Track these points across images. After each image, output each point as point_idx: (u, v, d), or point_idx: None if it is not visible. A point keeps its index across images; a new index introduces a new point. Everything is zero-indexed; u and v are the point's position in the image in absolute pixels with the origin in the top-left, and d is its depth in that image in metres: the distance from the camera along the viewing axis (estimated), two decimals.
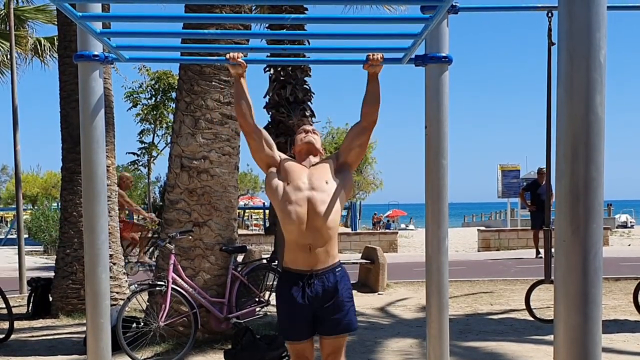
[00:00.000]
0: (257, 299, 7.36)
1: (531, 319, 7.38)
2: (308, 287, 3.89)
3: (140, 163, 23.83)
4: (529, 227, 16.91)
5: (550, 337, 6.75)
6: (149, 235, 12.57)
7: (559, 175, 1.95)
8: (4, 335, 7.41)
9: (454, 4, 3.81)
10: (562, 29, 1.95)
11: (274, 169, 4.05)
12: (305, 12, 9.82)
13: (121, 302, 7.82)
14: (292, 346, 4.08)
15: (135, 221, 13.27)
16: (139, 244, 12.36)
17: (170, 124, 21.50)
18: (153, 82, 21.88)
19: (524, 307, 7.42)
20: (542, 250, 13.15)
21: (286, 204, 3.88)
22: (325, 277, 3.91)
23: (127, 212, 12.52)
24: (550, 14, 5.72)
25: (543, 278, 6.96)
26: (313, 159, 4.11)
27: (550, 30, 5.90)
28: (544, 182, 14.19)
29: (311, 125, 4.23)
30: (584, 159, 1.91)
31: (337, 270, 3.96)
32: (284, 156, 4.14)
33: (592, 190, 1.91)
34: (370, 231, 30.79)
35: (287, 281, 3.98)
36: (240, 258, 8.28)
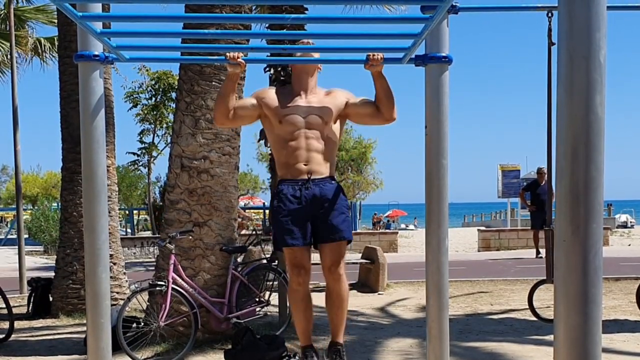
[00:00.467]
0: (257, 299, 7.36)
1: (532, 319, 7.38)
2: (305, 189, 4.00)
3: (141, 163, 23.81)
4: (529, 227, 16.92)
5: (551, 337, 6.74)
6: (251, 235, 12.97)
7: (559, 175, 1.95)
8: (4, 335, 7.41)
9: (454, 4, 3.80)
10: (562, 29, 1.95)
11: (263, 113, 4.15)
12: (306, 12, 9.80)
13: (121, 302, 7.82)
14: (290, 253, 4.09)
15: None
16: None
17: (170, 124, 21.49)
18: (153, 82, 21.88)
19: (525, 307, 7.43)
20: (542, 250, 13.17)
21: (282, 143, 4.03)
22: (321, 183, 4.03)
23: None
24: (550, 14, 5.72)
25: (545, 278, 6.96)
26: (311, 79, 4.15)
27: (550, 30, 5.90)
28: (544, 182, 14.20)
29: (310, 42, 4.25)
30: (584, 159, 1.91)
31: (332, 181, 4.10)
32: (266, 93, 4.20)
33: (592, 190, 1.91)
34: (370, 231, 30.77)
35: (284, 188, 4.06)
36: (240, 258, 8.28)
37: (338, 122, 4.20)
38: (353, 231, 19.05)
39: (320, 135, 4.04)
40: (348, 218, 4.09)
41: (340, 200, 4.05)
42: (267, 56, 5.91)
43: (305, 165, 4.00)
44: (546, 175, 6.93)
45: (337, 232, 4.02)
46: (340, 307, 4.17)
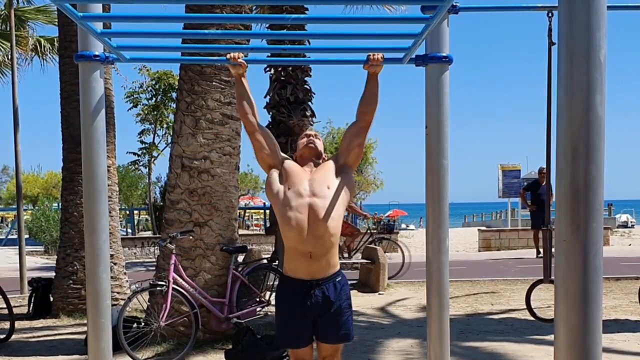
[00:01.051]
0: (257, 299, 7.36)
1: (532, 318, 7.38)
2: (308, 297, 3.88)
3: (141, 163, 23.82)
4: (530, 227, 16.91)
5: (551, 337, 6.74)
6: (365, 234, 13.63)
7: (559, 175, 1.95)
8: (4, 336, 7.41)
9: (454, 4, 3.81)
10: (562, 28, 1.95)
11: (275, 171, 4.02)
12: (306, 12, 9.81)
13: (122, 302, 7.83)
14: (292, 352, 4.10)
15: (349, 222, 13.89)
16: (348, 245, 12.94)
17: (170, 124, 21.50)
18: (153, 82, 21.89)
19: (525, 307, 7.42)
20: (542, 250, 13.18)
21: (286, 209, 3.84)
22: (325, 287, 3.90)
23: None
24: (550, 14, 5.73)
25: (542, 278, 6.96)
26: (315, 162, 4.10)
27: (550, 30, 5.90)
28: (544, 182, 14.19)
29: (313, 130, 4.24)
30: (584, 159, 1.91)
31: (337, 279, 3.95)
32: (286, 158, 4.13)
33: (592, 190, 1.91)
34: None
35: (287, 289, 3.98)
36: (240, 258, 8.28)
37: (342, 182, 4.03)
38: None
39: (324, 206, 3.83)
40: (350, 317, 4.02)
41: (343, 301, 3.97)
42: (268, 56, 5.92)
43: (310, 259, 3.83)
44: (546, 175, 6.92)
45: (337, 334, 3.99)
46: None
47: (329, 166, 4.03)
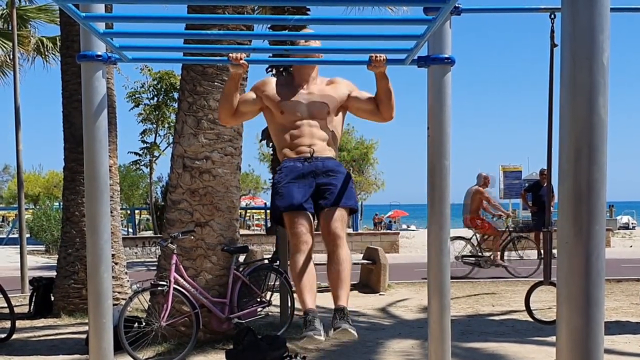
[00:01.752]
0: (258, 299, 7.36)
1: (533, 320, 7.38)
2: (308, 162, 3.96)
3: (142, 163, 23.86)
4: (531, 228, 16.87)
5: (552, 339, 6.73)
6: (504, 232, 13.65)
7: (562, 177, 1.95)
8: (5, 335, 7.42)
9: (456, 5, 3.80)
10: (565, 30, 1.95)
11: (264, 105, 4.16)
12: (308, 13, 9.80)
13: (123, 302, 7.83)
14: (290, 218, 3.95)
15: (492, 222, 13.88)
16: (494, 246, 13.01)
17: (172, 124, 21.52)
18: (155, 82, 21.91)
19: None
20: (543, 252, 13.17)
21: (284, 130, 4.03)
22: (325, 160, 4.00)
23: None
24: (552, 16, 5.73)
25: (542, 279, 6.96)
26: (312, 74, 4.15)
27: (552, 31, 5.90)
28: (545, 183, 14.18)
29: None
30: (587, 161, 1.91)
31: (336, 163, 4.08)
32: (267, 86, 4.19)
33: (595, 192, 1.91)
34: (372, 232, 30.75)
35: (286, 163, 4.02)
36: (241, 258, 8.28)
37: (340, 114, 4.17)
38: (354, 232, 18.93)
39: (322, 125, 4.02)
40: (352, 188, 3.99)
41: (343, 174, 4.01)
42: (269, 57, 5.92)
43: (308, 147, 3.97)
44: (547, 177, 6.92)
45: (339, 199, 3.92)
46: (341, 269, 3.93)
47: (334, 94, 4.14)
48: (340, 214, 3.95)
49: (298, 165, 3.96)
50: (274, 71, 12.30)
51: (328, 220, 3.93)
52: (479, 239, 13.42)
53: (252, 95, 4.21)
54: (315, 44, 4.14)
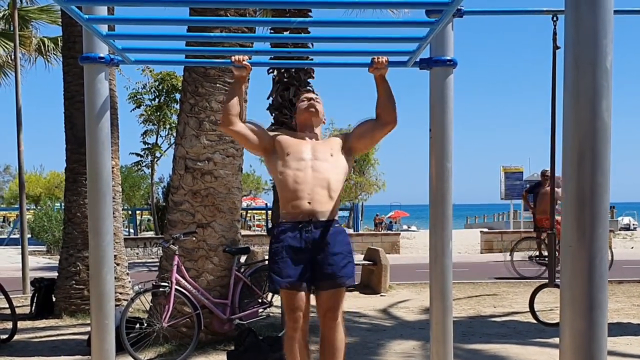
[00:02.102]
0: (260, 300, 7.36)
1: (535, 321, 7.37)
2: (306, 232, 3.85)
3: (144, 164, 23.87)
4: (532, 229, 16.88)
5: (554, 340, 6.74)
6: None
7: (566, 181, 1.96)
8: (7, 336, 7.42)
9: (459, 7, 3.81)
10: (568, 34, 1.96)
11: (272, 148, 4.07)
12: (310, 15, 9.79)
13: (124, 303, 7.83)
14: (287, 295, 3.92)
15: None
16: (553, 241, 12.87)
17: (173, 125, 21.54)
18: (156, 83, 21.93)
19: (528, 309, 7.41)
20: (545, 253, 13.16)
21: (286, 172, 3.90)
22: (323, 227, 3.87)
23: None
24: (555, 18, 5.72)
25: (547, 282, 6.95)
26: (316, 130, 4.12)
27: (555, 34, 5.90)
28: (547, 185, 14.17)
29: (313, 92, 4.19)
30: (590, 165, 1.91)
31: (335, 224, 3.95)
32: (280, 135, 4.13)
33: (598, 196, 1.92)
34: (373, 232, 30.78)
35: (284, 228, 3.91)
36: (243, 259, 8.28)
37: (344, 156, 4.05)
38: (355, 232, 18.94)
39: (326, 169, 3.93)
40: (351, 263, 3.93)
41: (342, 244, 3.91)
42: (271, 59, 5.93)
43: (308, 203, 3.84)
44: (549, 179, 6.90)
45: (337, 278, 3.86)
46: (335, 358, 3.95)
47: (332, 142, 4.07)
48: (337, 296, 3.94)
49: (295, 238, 3.86)
50: (275, 72, 12.29)
51: (325, 303, 3.92)
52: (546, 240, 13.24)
53: (269, 133, 4.14)
54: (316, 95, 4.13)
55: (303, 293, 3.89)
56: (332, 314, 3.91)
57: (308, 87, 4.25)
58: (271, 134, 4.10)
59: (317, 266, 3.86)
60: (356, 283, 11.45)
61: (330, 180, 3.91)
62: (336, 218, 4.00)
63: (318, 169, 3.88)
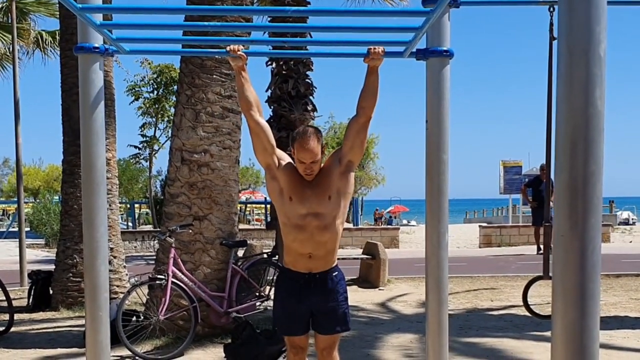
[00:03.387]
0: (257, 294, 7.36)
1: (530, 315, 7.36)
2: (306, 287, 4.02)
3: (142, 156, 23.84)
4: (531, 224, 16.91)
5: (550, 333, 6.75)
6: None
7: (558, 170, 1.94)
8: (4, 328, 7.42)
9: None
10: (562, 22, 1.94)
11: (273, 174, 4.00)
12: (307, 4, 9.78)
13: (121, 296, 7.83)
14: (288, 339, 4.21)
15: None
16: None
17: (171, 118, 21.49)
18: (155, 75, 21.88)
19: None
20: (542, 246, 13.20)
21: (288, 219, 3.97)
22: (322, 278, 4.04)
23: None
24: (552, 9, 5.70)
25: (541, 274, 6.93)
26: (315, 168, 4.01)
27: (551, 24, 5.88)
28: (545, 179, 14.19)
29: (310, 132, 4.05)
30: (583, 153, 1.89)
31: (334, 274, 4.08)
32: (283, 159, 4.05)
33: (591, 185, 1.90)
34: (372, 227, 30.78)
35: (286, 280, 4.12)
36: (240, 252, 8.27)
37: (341, 182, 3.99)
38: (355, 227, 18.93)
39: (326, 216, 3.91)
40: (347, 309, 4.14)
41: (339, 294, 4.08)
42: (269, 49, 5.90)
43: (309, 257, 3.97)
44: (547, 172, 6.89)
45: (335, 325, 4.10)
46: None
47: (330, 171, 3.98)
48: (334, 339, 4.18)
49: (295, 294, 4.04)
50: (273, 65, 12.27)
51: (322, 343, 4.17)
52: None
53: (275, 150, 4.03)
54: (315, 145, 4.02)
55: (304, 336, 4.17)
56: (328, 352, 4.19)
57: (305, 128, 4.03)
58: (277, 153, 4.04)
59: (318, 313, 4.07)
60: (355, 277, 11.47)
61: (331, 230, 3.96)
62: (335, 264, 4.11)
63: (319, 222, 3.92)
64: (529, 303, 6.93)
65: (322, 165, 4.03)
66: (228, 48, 3.80)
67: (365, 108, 3.92)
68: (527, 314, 7.26)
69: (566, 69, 1.91)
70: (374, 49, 3.70)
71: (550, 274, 6.64)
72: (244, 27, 6.57)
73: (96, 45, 3.62)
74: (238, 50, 3.79)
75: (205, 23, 5.02)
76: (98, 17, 3.49)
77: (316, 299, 4.02)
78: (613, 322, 7.57)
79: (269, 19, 11.72)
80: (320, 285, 4.02)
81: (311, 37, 7.08)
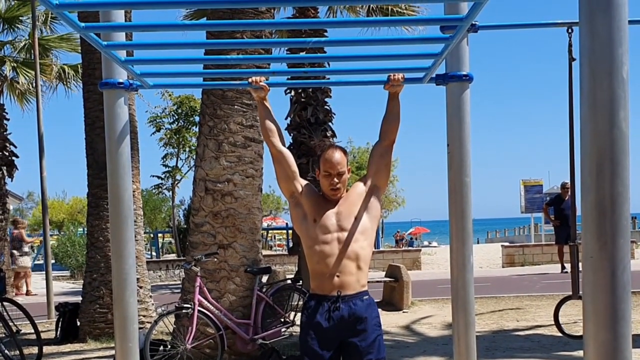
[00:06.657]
0: (282, 320, 7.36)
1: (559, 334, 7.28)
2: (334, 310, 3.81)
3: (164, 187, 24.02)
4: (554, 242, 16.75)
5: (579, 353, 6.65)
6: None
7: (585, 192, 1.95)
8: None
9: (473, 22, 3.82)
10: (584, 45, 1.96)
11: (296, 199, 3.99)
12: (325, 35, 9.87)
13: (148, 326, 7.86)
14: None
15: None
16: None
17: (192, 147, 21.67)
18: (175, 106, 22.11)
19: (552, 322, 7.33)
20: (567, 265, 13.04)
21: (314, 243, 3.84)
22: (352, 302, 3.83)
23: None
24: (570, 30, 5.72)
25: (570, 294, 6.87)
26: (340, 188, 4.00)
27: (570, 45, 5.90)
28: (567, 197, 14.08)
29: (336, 151, 4.06)
30: (609, 175, 1.90)
31: (364, 297, 3.88)
32: (306, 187, 4.05)
33: (618, 206, 1.91)
34: (394, 249, 30.64)
35: (313, 305, 3.91)
36: (264, 279, 8.29)
37: (368, 204, 4.01)
38: (376, 249, 18.78)
39: (353, 238, 3.85)
40: (381, 335, 3.91)
41: (371, 319, 3.88)
42: (288, 79, 5.97)
43: (337, 277, 3.81)
44: (570, 190, 6.86)
45: (366, 355, 3.85)
46: None
47: (356, 194, 3.97)
48: None
49: (323, 323, 3.82)
50: (292, 93, 12.38)
51: None
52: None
53: (299, 179, 4.07)
54: (341, 158, 4.00)
55: None
56: None
57: (328, 143, 4.02)
58: (300, 183, 4.05)
59: (348, 340, 3.86)
60: (378, 300, 11.42)
61: (358, 251, 3.85)
62: (365, 288, 3.93)
63: (345, 240, 3.83)
64: (560, 323, 6.87)
65: (347, 189, 4.03)
66: (250, 80, 3.85)
67: (388, 132, 3.96)
68: (555, 334, 7.19)
69: (589, 91, 1.93)
70: (394, 75, 3.73)
71: (579, 294, 6.61)
72: (264, 59, 6.65)
73: (120, 80, 3.69)
74: (260, 82, 3.84)
75: (226, 56, 5.11)
76: (121, 54, 3.57)
77: (345, 321, 3.80)
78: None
79: (286, 50, 11.87)
80: (349, 306, 3.82)
81: (329, 65, 7.18)
